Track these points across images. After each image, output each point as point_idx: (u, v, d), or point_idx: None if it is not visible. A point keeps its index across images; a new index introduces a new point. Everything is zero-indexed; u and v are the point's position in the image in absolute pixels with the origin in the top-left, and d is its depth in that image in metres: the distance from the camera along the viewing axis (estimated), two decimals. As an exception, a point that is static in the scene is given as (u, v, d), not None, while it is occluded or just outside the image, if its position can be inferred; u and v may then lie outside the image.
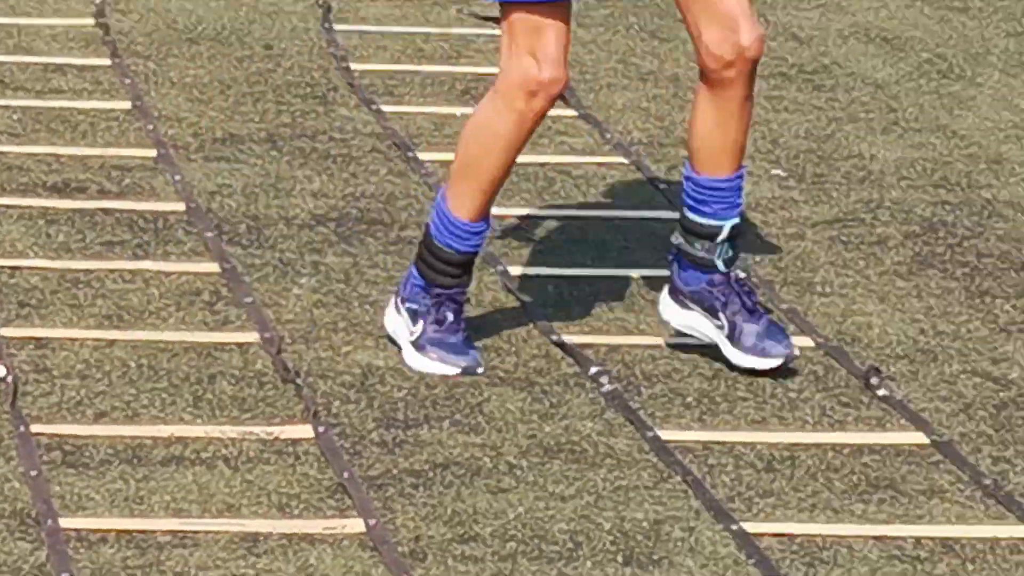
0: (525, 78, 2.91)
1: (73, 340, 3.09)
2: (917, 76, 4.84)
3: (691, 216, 3.02)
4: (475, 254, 3.07)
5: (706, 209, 3.01)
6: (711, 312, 3.02)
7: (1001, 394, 3.11)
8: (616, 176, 4.05)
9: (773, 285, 3.51)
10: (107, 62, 4.56)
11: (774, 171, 4.11)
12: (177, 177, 3.80)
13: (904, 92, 4.70)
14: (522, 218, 3.77)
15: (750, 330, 3.00)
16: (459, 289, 3.07)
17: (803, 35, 5.12)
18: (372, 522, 2.52)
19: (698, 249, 3.03)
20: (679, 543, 2.54)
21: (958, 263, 3.69)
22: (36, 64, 4.55)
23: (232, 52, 4.75)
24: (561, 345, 3.17)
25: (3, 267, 3.36)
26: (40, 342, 3.03)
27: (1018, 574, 2.46)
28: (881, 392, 3.03)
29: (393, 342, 3.15)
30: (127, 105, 4.23)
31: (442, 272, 3.03)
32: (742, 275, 3.09)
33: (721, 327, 3.02)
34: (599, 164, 4.10)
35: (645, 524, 2.62)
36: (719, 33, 2.92)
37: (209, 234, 3.54)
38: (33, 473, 2.59)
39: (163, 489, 2.64)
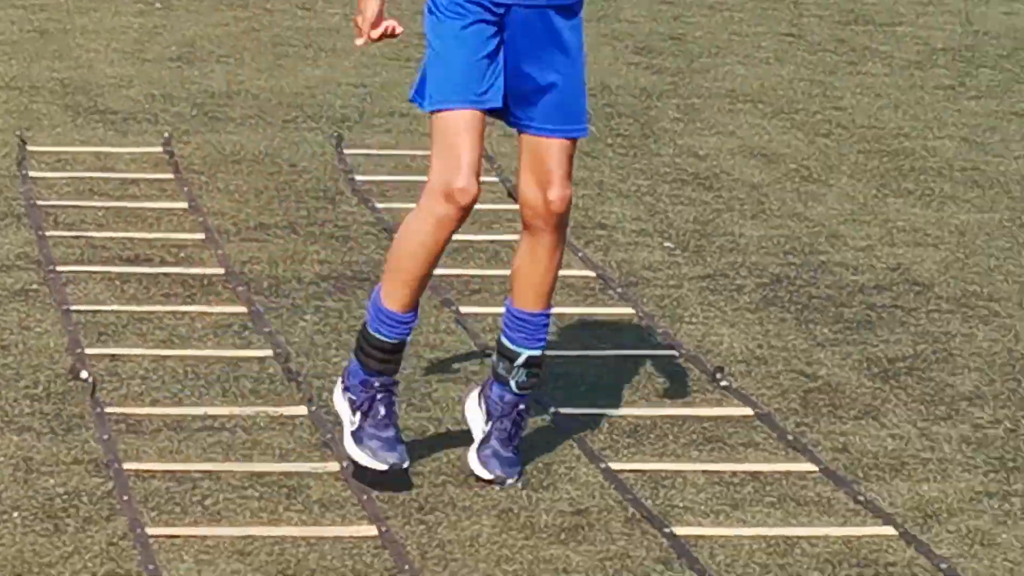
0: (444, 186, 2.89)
1: (138, 356, 3.68)
2: (784, 180, 5.40)
3: (500, 338, 3.06)
4: (403, 343, 3.01)
5: (511, 335, 3.03)
6: (488, 416, 3.07)
7: (808, 384, 3.72)
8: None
9: (654, 318, 4.07)
10: (171, 176, 5.13)
11: (665, 244, 4.69)
12: (220, 251, 4.36)
13: (773, 191, 5.26)
14: None
15: (495, 447, 3.01)
16: (388, 378, 2.99)
17: (702, 153, 5.67)
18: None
19: (500, 367, 3.04)
20: (561, 477, 3.16)
21: (793, 303, 4.27)
22: (116, 178, 5.12)
23: (264, 169, 5.27)
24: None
25: (90, 310, 3.94)
26: (114, 358, 3.63)
27: (800, 494, 3.10)
28: (723, 383, 3.64)
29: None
30: (184, 205, 4.80)
31: (373, 357, 2.97)
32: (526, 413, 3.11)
33: (483, 431, 3.06)
34: None
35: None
36: (534, 186, 2.96)
37: (241, 288, 4.11)
38: (105, 437, 3.21)
39: (197, 445, 3.23)
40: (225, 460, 3.16)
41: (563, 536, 2.87)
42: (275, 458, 3.18)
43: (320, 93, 6.29)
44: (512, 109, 2.97)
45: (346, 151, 5.41)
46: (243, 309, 3.98)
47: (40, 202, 4.76)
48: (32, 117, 5.77)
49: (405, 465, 2.96)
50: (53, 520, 2.83)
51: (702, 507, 3.03)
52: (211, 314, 3.95)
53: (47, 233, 4.47)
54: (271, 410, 3.40)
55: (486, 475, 3.03)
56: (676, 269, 4.48)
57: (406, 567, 2.71)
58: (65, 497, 2.93)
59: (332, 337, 3.84)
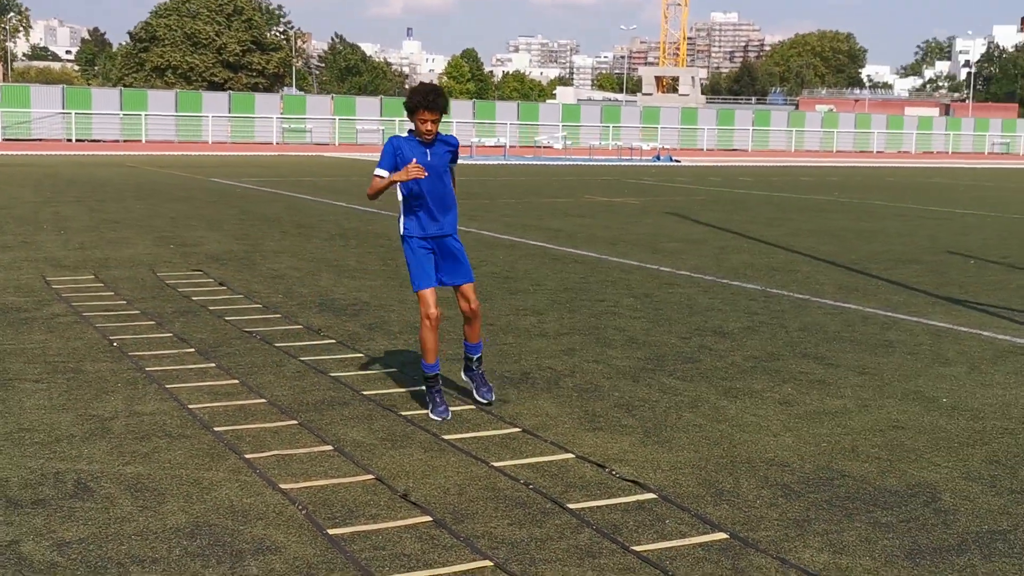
0: (426, 313, 7.29)
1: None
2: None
3: (468, 352, 7.71)
4: (436, 375, 7.43)
5: (471, 353, 7.68)
6: (472, 381, 7.72)
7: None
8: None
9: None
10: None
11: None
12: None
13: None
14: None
15: (480, 389, 7.65)
16: (438, 386, 7.43)
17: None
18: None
19: (473, 362, 7.72)
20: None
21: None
22: None
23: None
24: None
25: None
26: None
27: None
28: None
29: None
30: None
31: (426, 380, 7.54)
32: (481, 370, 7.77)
33: (471, 388, 7.73)
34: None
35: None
36: (464, 303, 7.49)
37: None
38: None
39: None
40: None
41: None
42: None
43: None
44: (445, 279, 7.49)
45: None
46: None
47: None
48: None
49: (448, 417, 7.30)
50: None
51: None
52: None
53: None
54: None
55: (485, 399, 7.66)
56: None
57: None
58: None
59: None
